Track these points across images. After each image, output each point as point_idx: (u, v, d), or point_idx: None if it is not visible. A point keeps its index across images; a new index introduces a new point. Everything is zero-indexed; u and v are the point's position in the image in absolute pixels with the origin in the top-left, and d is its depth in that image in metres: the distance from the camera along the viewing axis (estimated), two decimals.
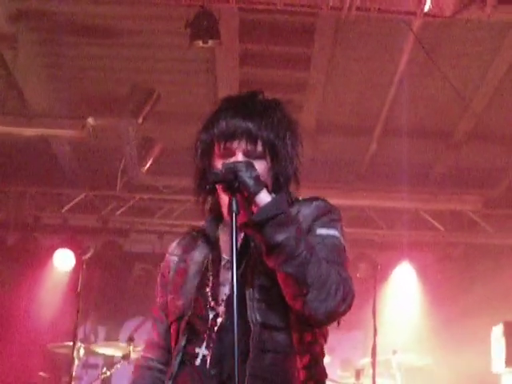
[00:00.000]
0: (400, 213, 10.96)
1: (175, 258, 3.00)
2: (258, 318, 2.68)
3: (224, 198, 2.73)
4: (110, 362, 8.94)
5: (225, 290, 2.78)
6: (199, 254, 2.92)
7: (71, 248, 10.71)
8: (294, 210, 2.75)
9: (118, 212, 11.13)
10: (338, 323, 2.70)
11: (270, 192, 2.69)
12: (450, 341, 10.30)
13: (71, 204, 11.06)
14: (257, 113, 2.80)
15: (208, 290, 2.81)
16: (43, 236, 11.32)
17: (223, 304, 2.76)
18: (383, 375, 8.46)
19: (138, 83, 8.55)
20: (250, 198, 2.61)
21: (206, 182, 2.80)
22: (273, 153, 2.81)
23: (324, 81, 8.71)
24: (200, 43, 7.12)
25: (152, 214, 11.29)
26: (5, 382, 10.30)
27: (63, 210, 11.07)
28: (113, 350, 8.38)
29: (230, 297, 2.73)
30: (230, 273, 2.73)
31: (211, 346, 2.72)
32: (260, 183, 2.63)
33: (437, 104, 9.15)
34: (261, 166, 2.74)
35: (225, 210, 2.78)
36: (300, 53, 8.36)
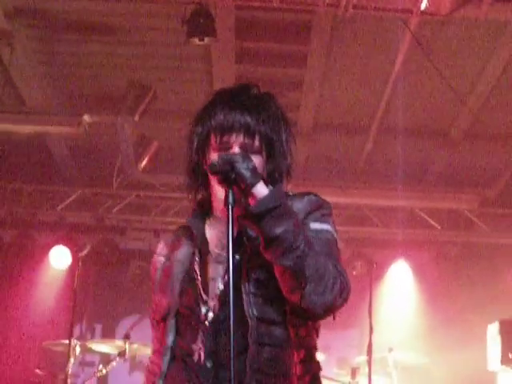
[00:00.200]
0: (396, 211, 10.96)
1: (162, 259, 2.99)
2: (254, 312, 2.68)
3: (218, 191, 2.72)
4: (106, 359, 8.91)
5: (217, 284, 2.77)
6: (184, 251, 2.90)
7: (67, 245, 10.71)
8: None
9: (115, 209, 11.12)
10: (334, 317, 2.70)
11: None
12: (446, 339, 10.31)
13: (67, 201, 11.05)
14: (254, 107, 2.79)
15: (198, 284, 2.79)
16: (39, 233, 11.30)
17: (216, 298, 2.75)
18: (379, 373, 8.46)
19: (135, 80, 8.54)
20: (246, 190, 2.59)
21: (199, 174, 2.81)
22: (269, 148, 2.81)
23: (320, 79, 8.70)
24: (196, 41, 7.12)
25: (148, 212, 11.28)
26: (1, 380, 10.31)
27: (59, 208, 11.05)
28: (109, 348, 8.38)
29: (223, 292, 2.73)
30: (222, 266, 2.75)
31: (204, 339, 2.72)
32: (257, 175, 2.61)
33: (433, 102, 9.16)
34: (257, 161, 2.73)
35: (217, 203, 2.78)
36: (296, 51, 8.35)
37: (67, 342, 7.51)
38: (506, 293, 10.29)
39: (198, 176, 2.86)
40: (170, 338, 2.80)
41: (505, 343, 8.80)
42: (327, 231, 2.76)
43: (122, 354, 7.87)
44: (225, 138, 2.76)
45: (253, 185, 2.59)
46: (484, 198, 10.68)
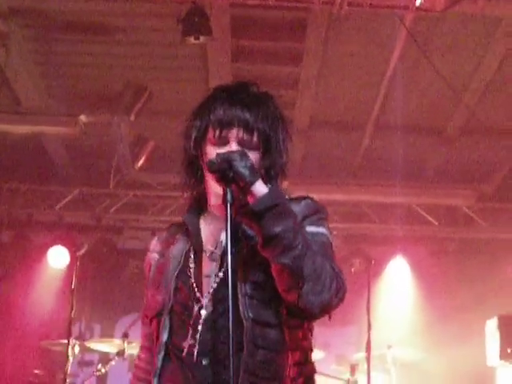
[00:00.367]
0: (394, 207, 10.97)
1: (156, 255, 2.98)
2: (250, 314, 2.67)
3: (215, 188, 2.72)
4: (105, 358, 8.93)
5: (210, 282, 2.77)
6: (179, 247, 2.89)
7: (65, 245, 10.70)
8: None
9: (112, 209, 11.12)
10: (330, 317, 2.70)
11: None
12: (445, 335, 10.32)
13: (64, 201, 11.04)
14: (253, 104, 2.80)
15: (192, 281, 2.79)
16: (37, 233, 11.30)
17: (209, 296, 2.74)
18: (378, 370, 8.47)
19: (130, 80, 8.54)
20: (245, 188, 2.58)
21: (195, 168, 2.82)
22: (267, 145, 2.81)
23: (316, 76, 8.70)
24: (192, 39, 7.12)
25: (146, 211, 11.29)
26: (0, 380, 10.30)
27: (57, 208, 11.05)
28: (108, 347, 8.38)
29: (217, 290, 2.73)
30: (216, 264, 2.75)
31: (197, 337, 2.71)
32: (255, 173, 2.61)
33: (429, 98, 9.16)
34: (254, 157, 2.73)
35: (214, 200, 2.78)
36: (292, 48, 8.36)
37: (66, 341, 7.50)
38: (504, 288, 10.30)
39: (195, 170, 2.86)
40: (165, 335, 2.79)
41: (503, 338, 8.82)
42: (323, 234, 2.76)
43: (120, 353, 7.87)
44: (223, 133, 2.76)
45: (252, 183, 2.58)
46: (481, 193, 10.68)
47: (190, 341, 2.71)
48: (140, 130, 9.44)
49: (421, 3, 6.53)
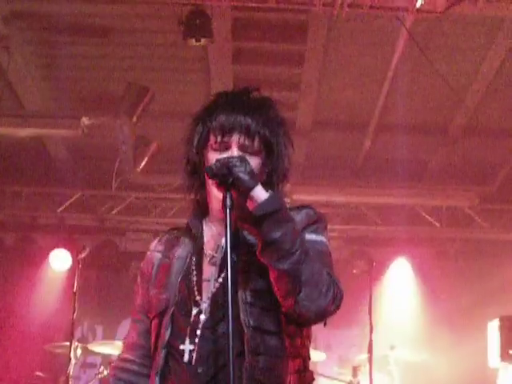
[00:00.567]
0: (396, 209, 10.96)
1: (158, 255, 2.98)
2: (251, 322, 2.67)
3: (216, 194, 2.71)
4: (107, 361, 8.92)
5: (210, 287, 2.77)
6: (183, 250, 2.90)
7: (67, 248, 10.71)
8: None
9: (114, 211, 11.13)
10: (325, 323, 2.70)
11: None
12: (447, 336, 10.33)
13: (67, 204, 11.06)
14: (255, 110, 2.80)
15: (193, 285, 2.79)
16: (39, 236, 11.33)
17: (208, 301, 2.75)
18: (380, 371, 8.47)
19: (132, 82, 8.55)
20: (245, 193, 2.58)
21: (197, 173, 2.83)
22: (268, 150, 2.81)
23: (318, 78, 8.71)
24: (193, 41, 7.14)
25: (148, 213, 11.30)
26: (2, 382, 10.31)
27: (59, 210, 11.07)
28: (110, 349, 8.36)
29: (216, 294, 2.73)
30: (215, 268, 2.76)
31: (195, 342, 2.71)
32: (255, 178, 2.61)
33: (431, 99, 9.16)
34: (255, 162, 2.74)
35: (215, 205, 2.79)
36: (293, 50, 8.36)
37: (68, 344, 7.51)
38: (506, 290, 10.30)
39: (196, 175, 2.86)
40: (167, 334, 2.79)
41: (505, 340, 8.82)
42: (322, 242, 2.77)
43: None
44: (225, 139, 2.76)
45: (251, 188, 2.58)
46: (483, 194, 10.68)
47: (189, 345, 2.72)
48: (142, 131, 9.44)
49: (421, 4, 6.54)
